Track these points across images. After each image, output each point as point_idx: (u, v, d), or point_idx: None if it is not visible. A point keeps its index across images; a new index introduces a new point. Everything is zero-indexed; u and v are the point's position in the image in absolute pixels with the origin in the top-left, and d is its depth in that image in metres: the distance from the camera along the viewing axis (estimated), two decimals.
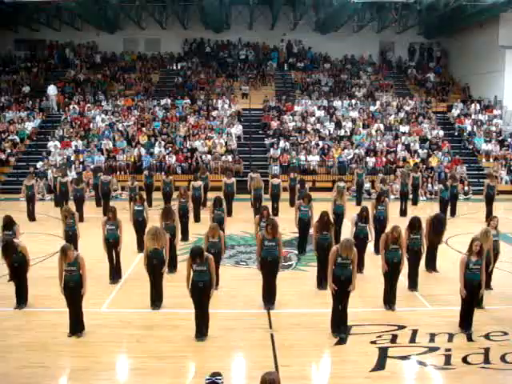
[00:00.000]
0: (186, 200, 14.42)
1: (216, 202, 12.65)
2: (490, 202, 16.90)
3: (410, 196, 19.10)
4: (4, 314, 8.89)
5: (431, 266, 11.25)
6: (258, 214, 16.38)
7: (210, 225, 9.89)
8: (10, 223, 10.29)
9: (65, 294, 7.93)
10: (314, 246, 10.28)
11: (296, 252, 12.94)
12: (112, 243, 10.46)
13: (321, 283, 10.06)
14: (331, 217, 13.32)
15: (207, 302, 7.86)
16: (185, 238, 13.82)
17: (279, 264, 9.13)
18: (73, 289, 7.83)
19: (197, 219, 16.13)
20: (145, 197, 17.90)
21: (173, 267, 11.03)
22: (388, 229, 9.48)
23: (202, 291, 7.74)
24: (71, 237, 11.20)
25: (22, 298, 9.17)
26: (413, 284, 10.08)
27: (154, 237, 8.77)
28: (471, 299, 8.17)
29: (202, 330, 7.89)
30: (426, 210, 17.75)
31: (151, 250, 8.80)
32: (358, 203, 19.33)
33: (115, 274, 10.65)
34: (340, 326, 8.06)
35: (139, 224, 12.44)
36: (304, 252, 12.80)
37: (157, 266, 8.91)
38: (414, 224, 9.80)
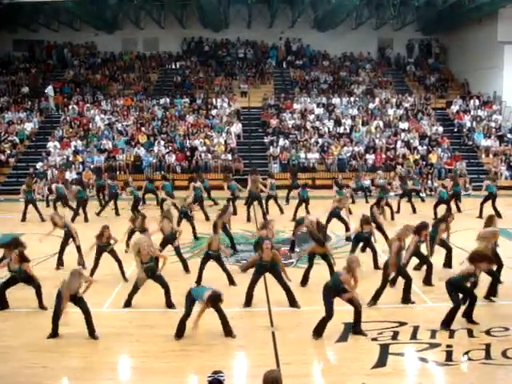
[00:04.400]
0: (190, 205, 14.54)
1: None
2: (486, 200, 16.96)
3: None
4: (4, 315, 8.89)
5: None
6: (248, 207, 16.48)
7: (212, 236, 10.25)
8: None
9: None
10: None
11: (297, 250, 12.95)
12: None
13: None
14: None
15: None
16: (194, 236, 13.94)
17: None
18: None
19: (206, 218, 16.00)
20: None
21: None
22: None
23: None
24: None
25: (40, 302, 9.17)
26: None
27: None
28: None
29: None
30: (425, 207, 17.84)
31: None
32: (366, 201, 19.09)
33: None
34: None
35: None
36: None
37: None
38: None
